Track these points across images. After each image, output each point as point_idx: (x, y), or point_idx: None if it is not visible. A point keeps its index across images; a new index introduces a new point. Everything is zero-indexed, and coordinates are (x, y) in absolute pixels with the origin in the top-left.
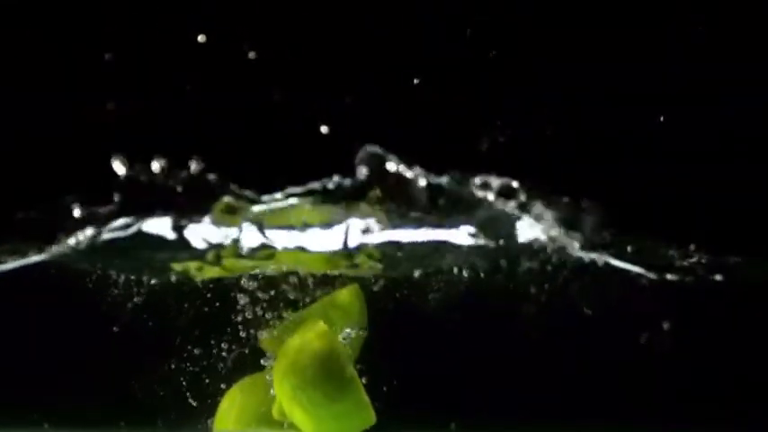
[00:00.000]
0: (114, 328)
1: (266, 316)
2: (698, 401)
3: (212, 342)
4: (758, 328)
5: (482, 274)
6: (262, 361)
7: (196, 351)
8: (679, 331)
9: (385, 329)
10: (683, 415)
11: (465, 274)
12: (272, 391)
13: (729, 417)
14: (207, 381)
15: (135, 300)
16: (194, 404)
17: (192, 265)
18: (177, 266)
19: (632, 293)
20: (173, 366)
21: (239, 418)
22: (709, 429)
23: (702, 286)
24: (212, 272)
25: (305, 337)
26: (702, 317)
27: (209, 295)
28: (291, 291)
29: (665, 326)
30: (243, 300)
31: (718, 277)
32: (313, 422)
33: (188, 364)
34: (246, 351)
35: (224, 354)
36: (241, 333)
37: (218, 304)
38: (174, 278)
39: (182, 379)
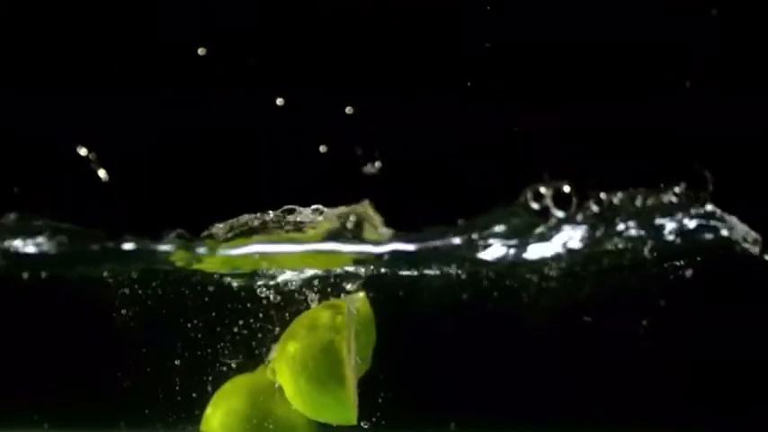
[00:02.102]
0: (114, 329)
1: (267, 318)
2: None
3: (214, 343)
4: None
5: (490, 273)
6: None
7: (198, 353)
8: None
9: (384, 329)
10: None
11: (463, 273)
12: (258, 393)
13: None
14: (208, 382)
15: (136, 300)
16: (195, 406)
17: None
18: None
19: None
20: (173, 367)
21: (224, 422)
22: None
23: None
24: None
25: (324, 312)
26: None
27: (210, 296)
28: (292, 294)
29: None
30: (245, 301)
31: None
32: (293, 387)
33: (189, 366)
34: (247, 353)
35: (225, 355)
36: (243, 334)
37: (219, 306)
38: (174, 279)
39: (183, 380)
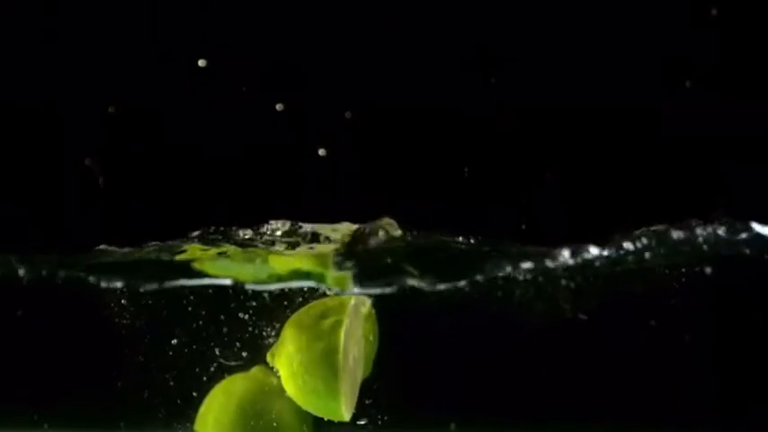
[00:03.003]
0: (114, 330)
1: (264, 319)
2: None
3: (213, 345)
4: None
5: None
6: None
7: (197, 353)
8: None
9: (385, 330)
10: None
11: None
12: (251, 392)
13: None
14: (208, 383)
15: (135, 301)
16: (193, 405)
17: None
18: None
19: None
20: (173, 368)
21: (217, 421)
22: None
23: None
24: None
25: (329, 304)
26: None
27: (209, 299)
28: (291, 298)
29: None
30: (242, 306)
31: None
32: (287, 370)
33: (189, 367)
34: (246, 354)
35: (225, 356)
36: (242, 336)
37: (217, 309)
38: (173, 283)
39: (181, 380)
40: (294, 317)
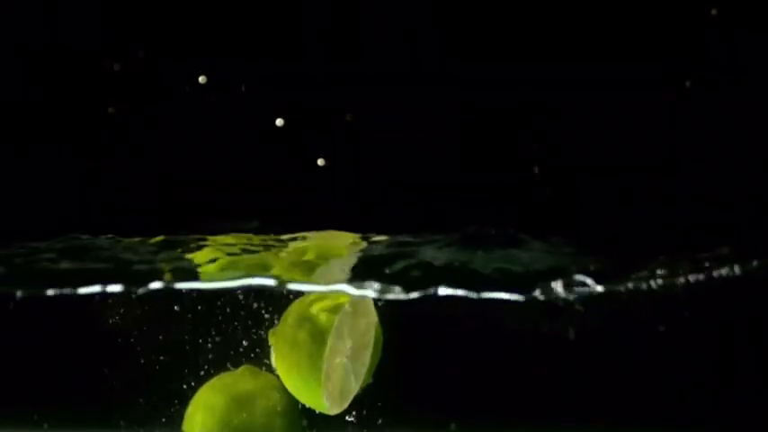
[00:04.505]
0: (114, 330)
1: (257, 319)
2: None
3: (211, 346)
4: None
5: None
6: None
7: (196, 354)
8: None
9: (385, 330)
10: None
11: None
12: (238, 392)
13: None
14: (202, 382)
15: (134, 302)
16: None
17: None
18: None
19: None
20: (173, 369)
21: (204, 422)
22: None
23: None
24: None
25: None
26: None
27: (206, 301)
28: (285, 302)
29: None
30: (240, 310)
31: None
32: (280, 343)
33: (188, 367)
34: (242, 354)
35: (223, 357)
36: (239, 337)
37: (214, 311)
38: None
39: (182, 381)
40: (297, 301)
